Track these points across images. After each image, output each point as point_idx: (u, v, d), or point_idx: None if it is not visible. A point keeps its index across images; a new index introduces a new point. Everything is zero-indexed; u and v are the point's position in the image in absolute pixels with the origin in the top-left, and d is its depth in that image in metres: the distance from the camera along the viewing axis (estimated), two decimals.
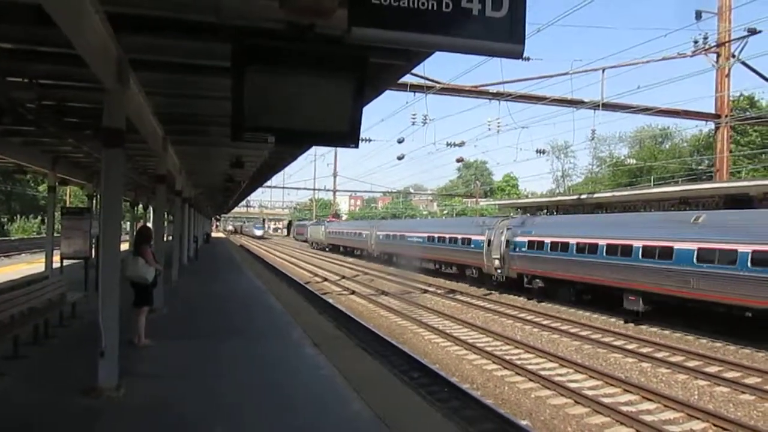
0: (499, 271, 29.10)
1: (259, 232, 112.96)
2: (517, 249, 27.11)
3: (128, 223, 41.79)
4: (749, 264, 16.27)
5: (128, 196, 31.08)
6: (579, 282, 23.37)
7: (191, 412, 6.79)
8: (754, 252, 16.23)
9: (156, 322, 11.33)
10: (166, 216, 26.50)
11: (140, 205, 37.87)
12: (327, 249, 67.68)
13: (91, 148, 15.30)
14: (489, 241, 30.07)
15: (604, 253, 21.71)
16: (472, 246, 31.81)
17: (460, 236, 33.74)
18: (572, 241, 23.56)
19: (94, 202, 24.26)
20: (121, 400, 7.02)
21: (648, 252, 19.77)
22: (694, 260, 17.91)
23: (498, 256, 29.09)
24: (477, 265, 31.37)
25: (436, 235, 37.52)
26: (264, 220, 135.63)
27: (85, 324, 11.20)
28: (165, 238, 19.84)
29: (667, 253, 18.95)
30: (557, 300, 24.14)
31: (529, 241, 26.30)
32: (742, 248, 16.53)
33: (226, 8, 5.81)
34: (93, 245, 16.34)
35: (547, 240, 25.13)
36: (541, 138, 59.41)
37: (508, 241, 28.08)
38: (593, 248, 22.20)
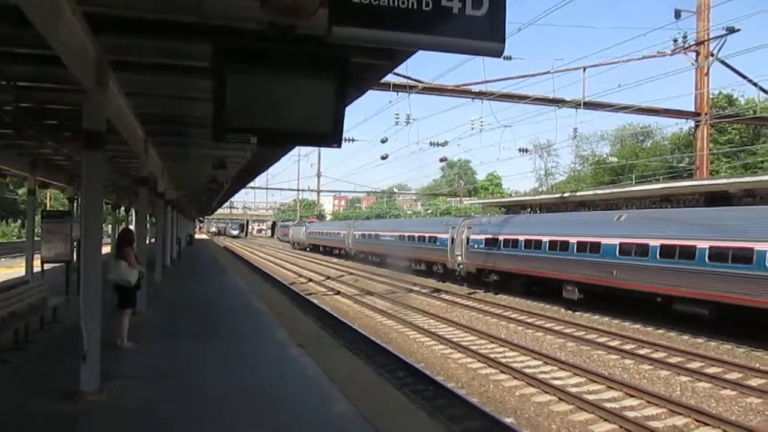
0: (461, 266, 31.25)
1: (234, 233, 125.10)
2: (476, 246, 29.71)
3: (110, 226, 41.42)
4: (658, 256, 18.68)
5: (110, 199, 30.82)
6: (527, 275, 25.66)
7: (175, 415, 6.75)
8: (662, 246, 18.67)
9: (139, 325, 11.26)
10: (148, 218, 26.31)
11: (122, 208, 37.55)
12: (308, 249, 69.64)
13: (71, 151, 15.15)
14: (452, 239, 32.36)
15: (547, 249, 24.09)
16: (438, 244, 34.20)
17: (427, 235, 36.28)
18: (521, 238, 26.12)
19: (75, 205, 24.00)
20: (104, 404, 6.96)
21: (581, 247, 22.23)
22: (617, 253, 20.39)
23: (460, 253, 31.31)
24: (442, 261, 33.57)
25: (406, 234, 40.24)
26: (248, 222, 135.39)
27: (66, 328, 11.10)
28: (147, 241, 19.68)
29: (596, 247, 21.43)
30: (510, 292, 26.05)
31: (486, 239, 28.88)
32: (652, 243, 19.05)
33: (206, 8, 5.78)
34: (74, 249, 16.17)
35: (501, 237, 27.56)
36: (524, 137, 60.02)
37: (468, 239, 30.43)
38: (538, 244, 24.66)
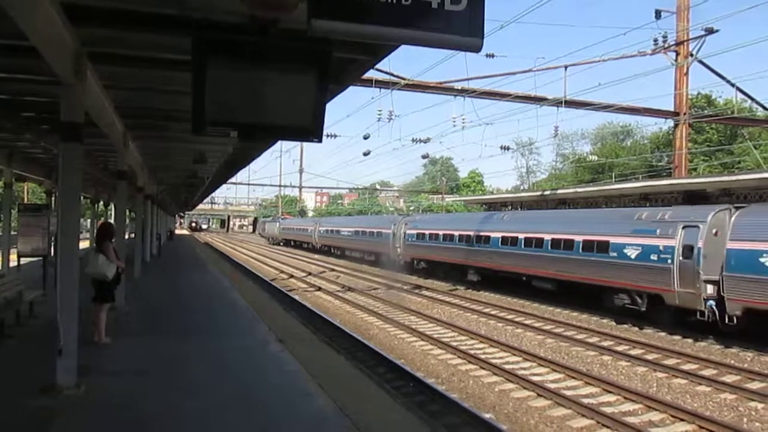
0: (399, 256, 37.21)
1: (205, 226, 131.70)
2: (410, 240, 36.13)
3: (89, 220, 40.99)
4: (523, 245, 24.60)
5: (88, 193, 30.48)
6: (446, 263, 31.33)
7: (153, 410, 6.71)
8: (526, 238, 24.53)
9: (117, 320, 11.18)
10: (128, 213, 26.07)
11: (101, 202, 37.17)
12: (281, 243, 75.26)
13: (49, 143, 14.97)
14: (394, 234, 38.51)
15: (458, 241, 30.22)
16: (383, 238, 40.32)
17: (375, 230, 42.63)
18: (440, 232, 32.51)
19: (53, 198, 23.71)
20: (81, 399, 6.90)
21: (479, 239, 28.11)
22: (499, 244, 26.38)
23: (399, 245, 37.49)
24: (386, 252, 39.05)
25: (359, 230, 46.39)
26: (229, 217, 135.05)
27: (43, 322, 10.97)
28: (127, 236, 19.51)
29: (487, 239, 27.41)
30: (435, 277, 30.99)
31: (417, 234, 35.42)
32: (521, 235, 24.97)
33: (188, 1, 5.73)
34: (51, 243, 15.97)
35: (427, 232, 34.32)
36: (506, 134, 60.16)
37: (405, 234, 36.74)
38: (452, 237, 30.71)
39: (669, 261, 17.71)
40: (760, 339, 15.18)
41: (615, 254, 19.69)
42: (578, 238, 21.49)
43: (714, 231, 17.05)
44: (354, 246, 46.76)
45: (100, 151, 16.97)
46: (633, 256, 19.06)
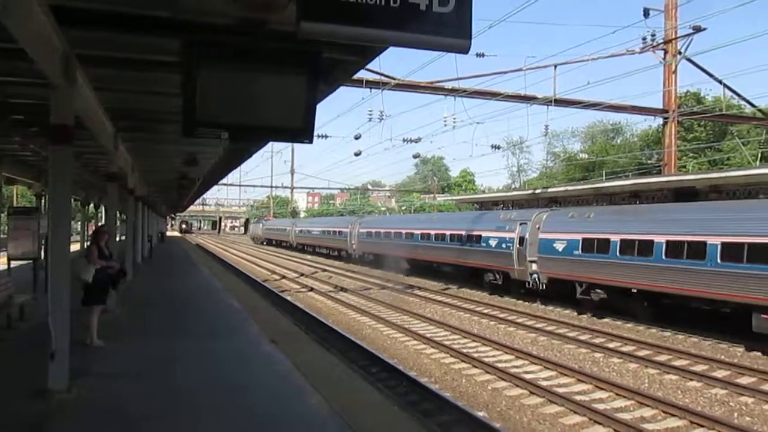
0: (354, 251, 44.59)
1: (184, 227, 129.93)
2: (362, 237, 43.22)
3: (79, 223, 40.73)
4: (434, 240, 32.06)
5: (79, 195, 30.29)
6: (392, 256, 35.61)
7: (145, 413, 6.70)
8: (435, 234, 31.97)
9: (109, 323, 11.12)
10: (118, 215, 25.93)
11: (91, 204, 36.96)
12: (264, 243, 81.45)
13: (38, 146, 14.88)
14: (350, 233, 45.60)
15: (393, 238, 37.10)
16: (343, 236, 47.65)
17: (337, 229, 50.52)
18: (381, 230, 40.15)
19: (43, 201, 23.56)
20: (73, 402, 6.88)
21: (408, 236, 35.24)
22: (419, 239, 33.68)
23: (354, 242, 44.77)
24: (345, 248, 46.91)
25: (325, 229, 54.70)
26: (220, 218, 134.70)
27: (34, 326, 10.90)
28: (118, 238, 19.41)
29: (411, 235, 34.92)
30: (383, 268, 34.81)
31: (366, 232, 42.75)
32: (432, 232, 32.46)
33: (180, 3, 5.72)
34: (42, 246, 15.88)
35: (373, 231, 41.77)
36: (496, 133, 60.25)
37: (358, 232, 44.02)
38: (413, 236, 34.90)
39: (511, 248, 24.49)
40: (560, 298, 22.09)
41: (485, 244, 26.58)
42: (468, 233, 28.26)
43: (537, 226, 23.42)
44: (322, 243, 54.98)
45: (90, 153, 16.86)
46: (494, 245, 25.88)
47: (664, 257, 17.41)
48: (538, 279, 22.91)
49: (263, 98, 3.94)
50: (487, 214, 30.30)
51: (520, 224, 24.33)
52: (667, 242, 17.42)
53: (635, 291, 18.80)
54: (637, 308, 18.93)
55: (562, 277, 21.72)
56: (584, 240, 20.67)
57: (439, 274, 31.92)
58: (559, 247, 21.73)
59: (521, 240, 23.95)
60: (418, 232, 34.10)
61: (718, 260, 15.81)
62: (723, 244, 15.83)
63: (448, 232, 30.76)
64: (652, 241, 17.95)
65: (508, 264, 24.59)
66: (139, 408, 6.83)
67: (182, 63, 3.70)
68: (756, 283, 14.90)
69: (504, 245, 25.01)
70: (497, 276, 25.73)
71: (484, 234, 26.83)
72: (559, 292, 22.02)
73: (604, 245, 19.79)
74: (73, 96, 7.51)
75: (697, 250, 16.44)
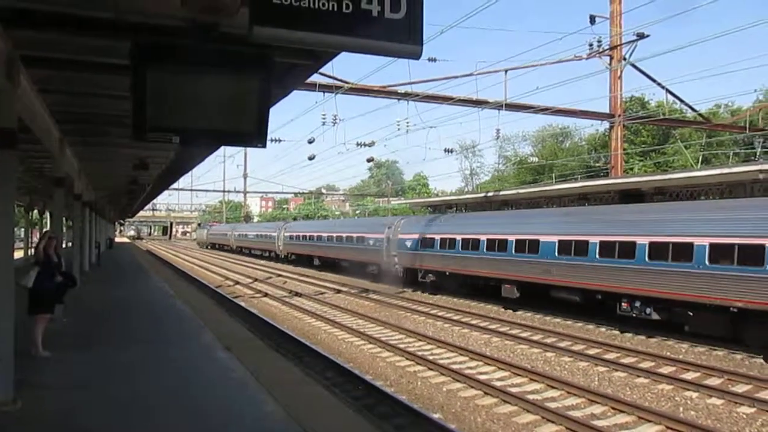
0: (281, 251, 51.99)
1: (133, 233, 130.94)
2: (288, 239, 50.39)
3: (23, 229, 39.42)
4: (335, 241, 39.69)
5: (22, 201, 29.34)
6: (315, 256, 44.08)
7: (94, 424, 6.54)
8: (336, 236, 39.61)
9: (56, 332, 10.80)
10: (65, 221, 25.22)
11: (35, 210, 35.82)
12: (208, 247, 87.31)
13: None
14: (277, 236, 52.86)
15: (308, 240, 45.19)
16: (272, 239, 54.63)
17: (268, 233, 57.66)
18: (307, 234, 47.02)
19: None
20: (18, 414, 6.66)
21: (319, 238, 43.06)
22: (325, 240, 41.52)
23: (280, 244, 51.90)
24: (274, 249, 53.98)
25: (259, 233, 62.15)
26: (171, 224, 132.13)
27: None
28: (64, 245, 18.87)
29: (320, 237, 42.79)
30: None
31: (290, 235, 50.26)
32: (334, 234, 40.50)
33: (123, 4, 5.61)
34: None
35: (294, 234, 49.43)
36: (449, 137, 60.72)
37: (284, 236, 51.30)
38: (321, 238, 42.54)
39: (381, 246, 32.44)
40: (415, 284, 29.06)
41: (367, 244, 34.45)
42: (355, 235, 36.65)
43: (397, 229, 31.31)
44: (255, 246, 61.81)
45: (35, 158, 16.38)
46: (372, 244, 33.79)
47: (461, 249, 25.31)
48: (399, 269, 30.38)
49: (215, 102, 3.90)
50: (372, 219, 43.84)
51: (387, 228, 32.47)
52: (463, 239, 25.31)
53: (449, 273, 26.38)
54: (451, 285, 26.34)
55: (411, 266, 29.56)
56: (422, 239, 28.50)
57: (343, 269, 37.78)
58: (408, 244, 29.58)
59: (386, 240, 31.94)
60: (325, 235, 42.10)
61: (485, 249, 23.90)
62: (517, 240, 22.14)
63: (345, 235, 38.45)
64: (455, 239, 25.85)
65: (380, 258, 32.60)
66: (87, 419, 6.66)
67: (132, 66, 3.63)
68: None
69: (377, 244, 32.98)
70: (377, 268, 33.15)
71: (366, 236, 34.97)
72: (412, 278, 29.64)
73: (429, 242, 27.80)
74: (17, 99, 7.30)
75: (476, 243, 24.54)
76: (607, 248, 18.16)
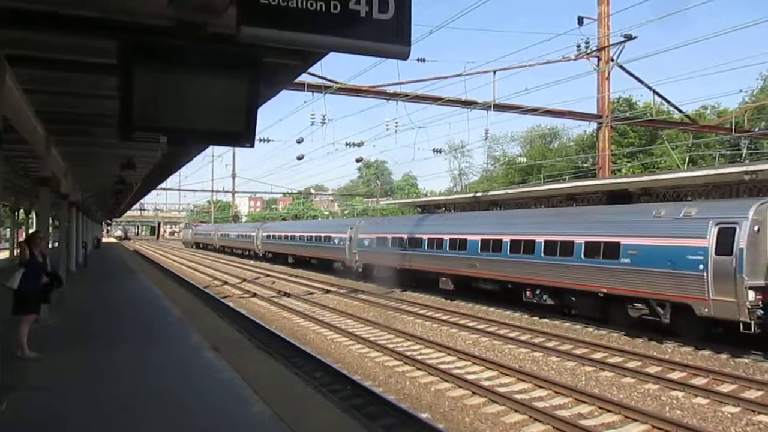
0: (260, 251, 55.06)
1: (120, 233, 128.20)
2: (265, 238, 53.63)
3: (8, 229, 39.05)
4: (298, 240, 45.80)
5: (8, 201, 29.08)
6: (289, 254, 47.96)
7: (81, 425, 6.49)
8: (299, 236, 45.76)
9: (42, 333, 10.72)
10: (51, 221, 25.01)
11: (21, 210, 35.52)
12: (193, 246, 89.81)
13: None
14: (256, 236, 55.81)
15: (290, 239, 47.80)
16: (251, 238, 57.59)
17: (247, 233, 60.90)
18: (281, 234, 51.03)
19: None
20: (4, 416, 6.60)
21: (291, 237, 47.55)
22: (298, 239, 45.65)
23: (259, 244, 55.10)
24: (253, 248, 56.76)
25: (240, 233, 65.67)
26: (159, 224, 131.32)
27: None
28: (51, 245, 18.72)
29: (294, 237, 47.10)
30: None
31: (267, 235, 53.70)
32: (305, 234, 44.52)
33: (111, 3, 5.58)
34: None
35: (272, 234, 52.92)
36: (438, 137, 60.71)
37: (262, 235, 54.66)
38: (294, 237, 46.86)
39: (344, 245, 35.73)
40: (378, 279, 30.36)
41: (333, 243, 37.93)
42: (322, 235, 40.67)
43: (359, 229, 34.77)
44: (236, 245, 65.30)
45: (20, 157, 16.23)
46: (337, 243, 37.17)
47: (408, 247, 28.59)
48: (360, 265, 33.82)
49: (203, 102, 3.89)
50: (338, 220, 50.98)
51: (350, 228, 35.90)
52: (408, 238, 28.80)
53: (398, 268, 29.03)
54: (399, 278, 28.98)
55: (369, 263, 32.94)
56: (377, 238, 32.30)
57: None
58: (366, 243, 33.37)
59: (349, 239, 35.31)
60: (298, 234, 46.23)
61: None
62: (450, 239, 25.57)
63: (314, 234, 42.39)
64: (403, 238, 29.15)
65: (342, 256, 36.54)
66: (73, 421, 6.62)
67: (119, 65, 3.61)
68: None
69: (342, 243, 36.47)
70: (341, 265, 37.00)
71: (332, 235, 38.46)
72: (369, 274, 32.31)
73: (383, 241, 31.37)
74: (2, 98, 7.23)
75: (419, 242, 28.03)
76: (515, 246, 21.44)
